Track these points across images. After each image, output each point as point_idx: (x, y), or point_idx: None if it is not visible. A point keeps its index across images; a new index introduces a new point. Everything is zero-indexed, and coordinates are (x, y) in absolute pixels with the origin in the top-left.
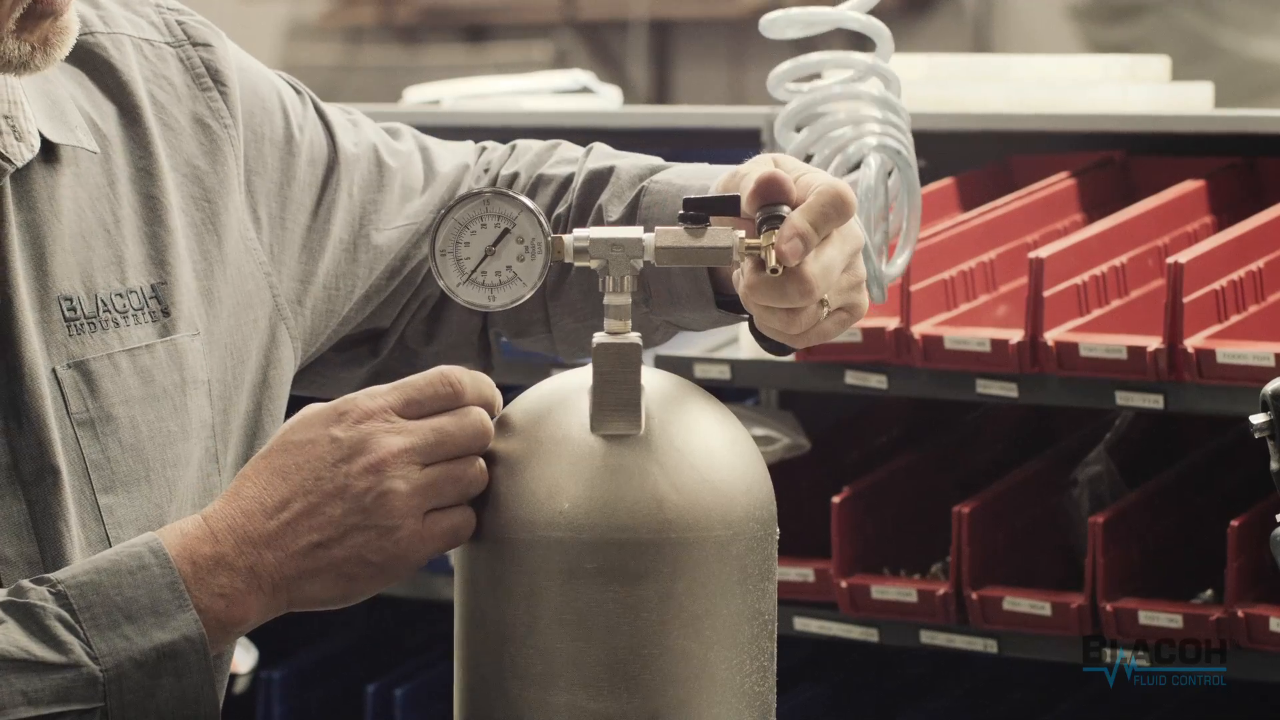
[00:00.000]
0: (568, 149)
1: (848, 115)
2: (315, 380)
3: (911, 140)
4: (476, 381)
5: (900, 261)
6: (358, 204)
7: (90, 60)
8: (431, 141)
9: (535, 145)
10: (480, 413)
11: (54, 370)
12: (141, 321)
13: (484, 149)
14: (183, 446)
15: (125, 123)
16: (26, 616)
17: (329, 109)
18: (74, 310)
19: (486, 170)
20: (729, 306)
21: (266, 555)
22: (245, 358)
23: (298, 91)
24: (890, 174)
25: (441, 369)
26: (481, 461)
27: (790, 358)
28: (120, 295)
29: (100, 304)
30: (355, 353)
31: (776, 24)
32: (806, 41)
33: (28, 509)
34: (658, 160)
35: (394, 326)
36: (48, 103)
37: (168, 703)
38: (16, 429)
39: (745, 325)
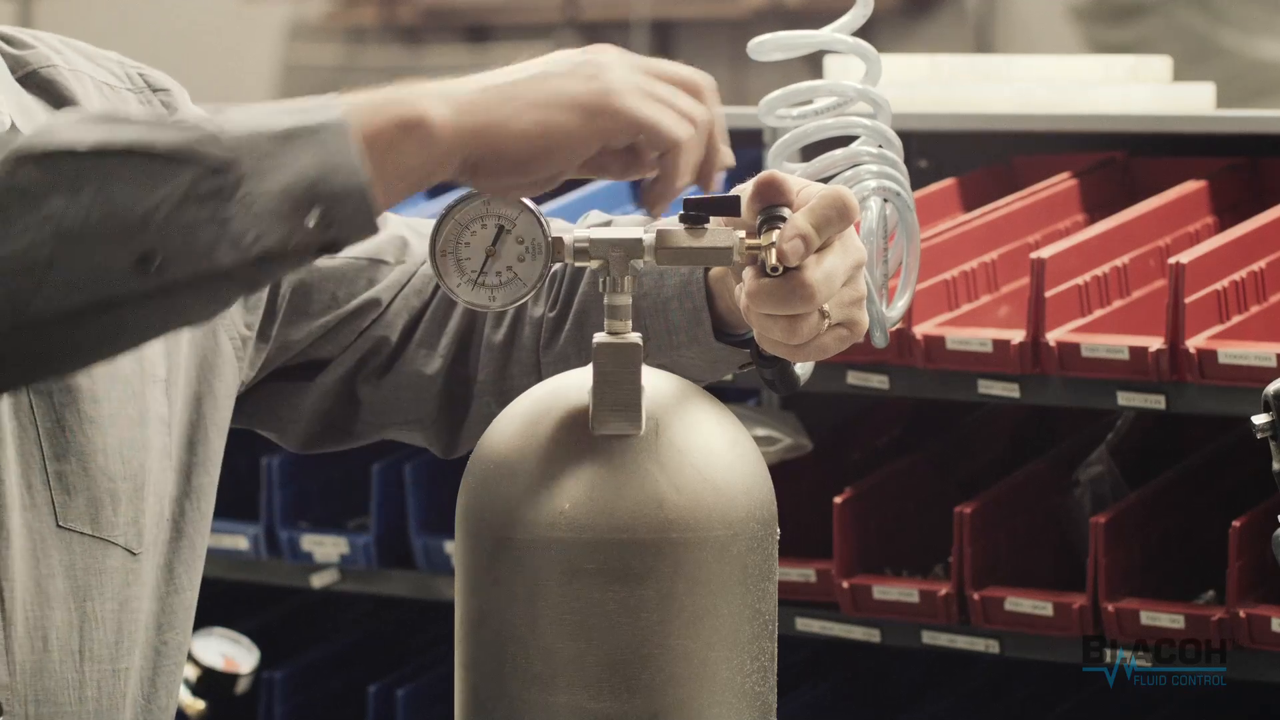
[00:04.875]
0: None
1: (844, 156)
2: (257, 409)
3: (907, 175)
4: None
5: (901, 304)
6: None
7: (50, 89)
8: None
9: None
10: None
11: None
12: None
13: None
14: (140, 432)
15: None
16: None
17: None
18: None
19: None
20: (729, 343)
21: (456, 87)
22: (190, 366)
23: None
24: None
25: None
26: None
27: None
28: None
29: None
30: (295, 384)
31: (763, 47)
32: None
33: None
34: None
35: (338, 362)
36: (17, 106)
37: (309, 168)
38: None
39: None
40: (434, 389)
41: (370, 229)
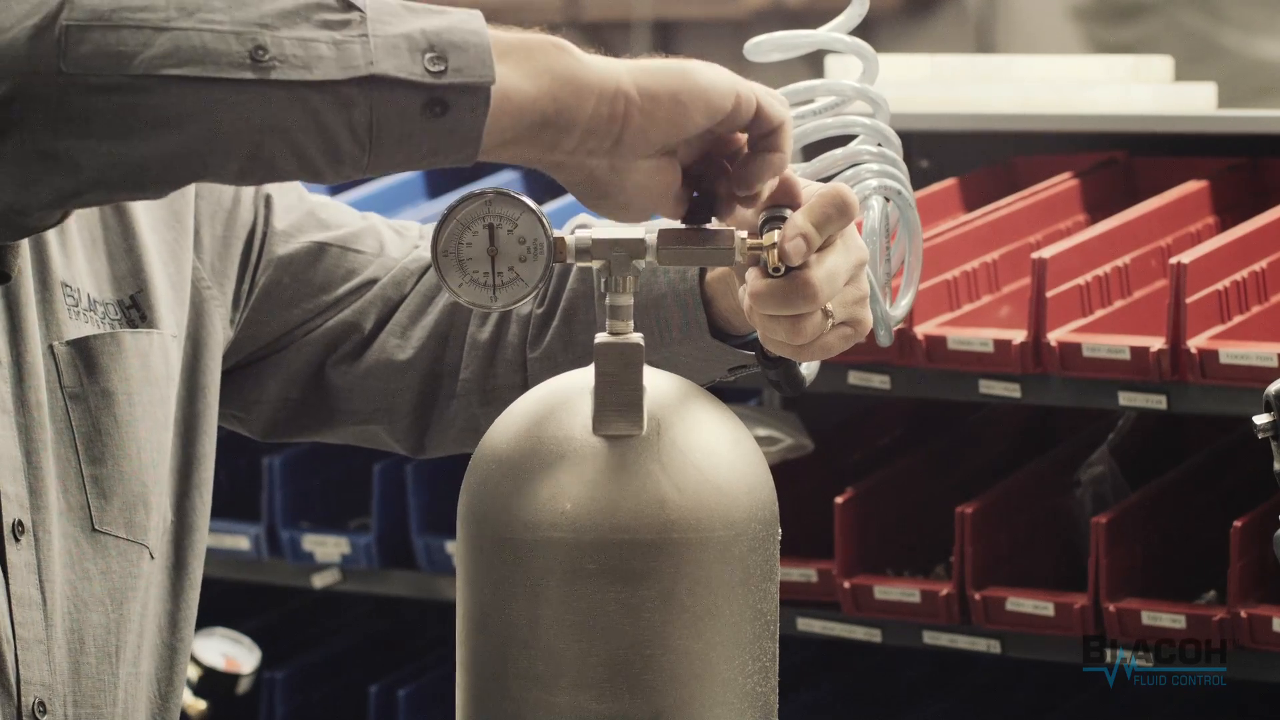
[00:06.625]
0: None
1: (844, 155)
2: (223, 393)
3: (906, 173)
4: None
5: (904, 303)
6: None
7: None
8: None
9: None
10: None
11: (51, 346)
12: (126, 323)
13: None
14: (164, 435)
15: None
16: None
17: None
18: (73, 299)
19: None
20: (733, 345)
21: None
22: (188, 358)
23: None
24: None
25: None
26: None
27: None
28: (106, 303)
29: (90, 299)
30: (264, 368)
31: (760, 48)
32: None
33: (23, 458)
34: None
35: (308, 343)
36: None
37: (433, 24)
38: (17, 382)
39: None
40: (405, 379)
41: (484, 80)
